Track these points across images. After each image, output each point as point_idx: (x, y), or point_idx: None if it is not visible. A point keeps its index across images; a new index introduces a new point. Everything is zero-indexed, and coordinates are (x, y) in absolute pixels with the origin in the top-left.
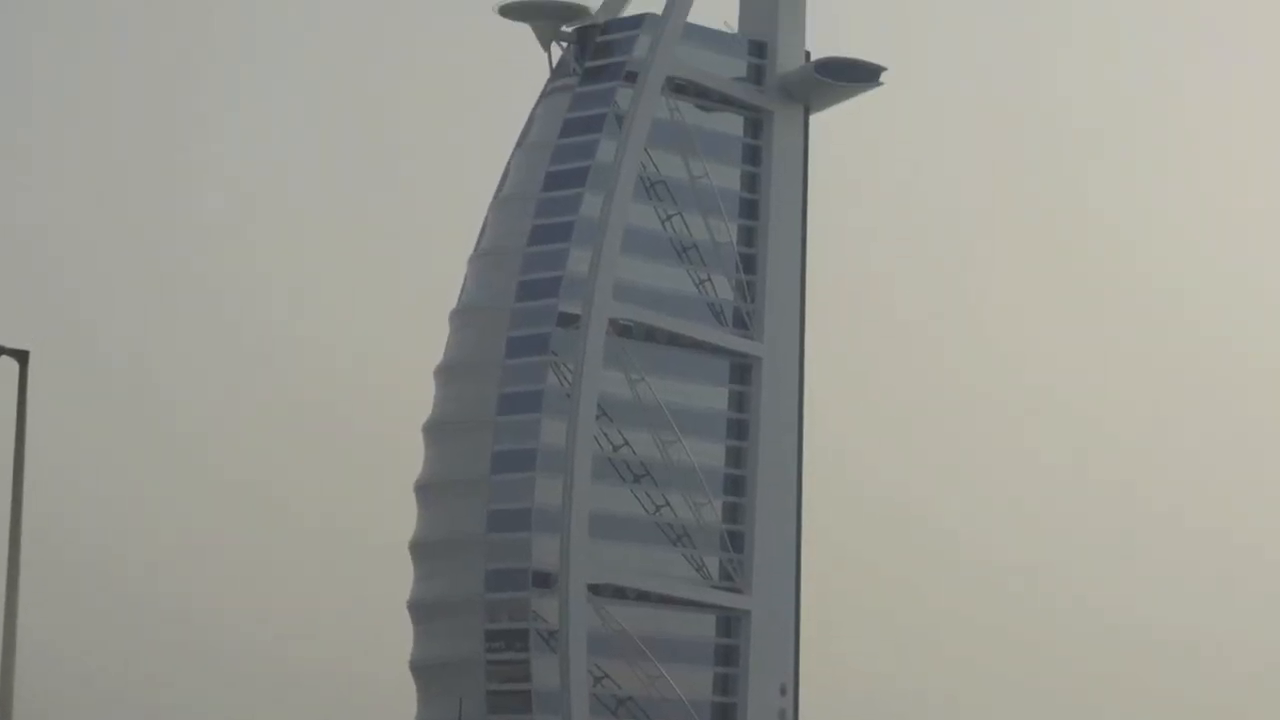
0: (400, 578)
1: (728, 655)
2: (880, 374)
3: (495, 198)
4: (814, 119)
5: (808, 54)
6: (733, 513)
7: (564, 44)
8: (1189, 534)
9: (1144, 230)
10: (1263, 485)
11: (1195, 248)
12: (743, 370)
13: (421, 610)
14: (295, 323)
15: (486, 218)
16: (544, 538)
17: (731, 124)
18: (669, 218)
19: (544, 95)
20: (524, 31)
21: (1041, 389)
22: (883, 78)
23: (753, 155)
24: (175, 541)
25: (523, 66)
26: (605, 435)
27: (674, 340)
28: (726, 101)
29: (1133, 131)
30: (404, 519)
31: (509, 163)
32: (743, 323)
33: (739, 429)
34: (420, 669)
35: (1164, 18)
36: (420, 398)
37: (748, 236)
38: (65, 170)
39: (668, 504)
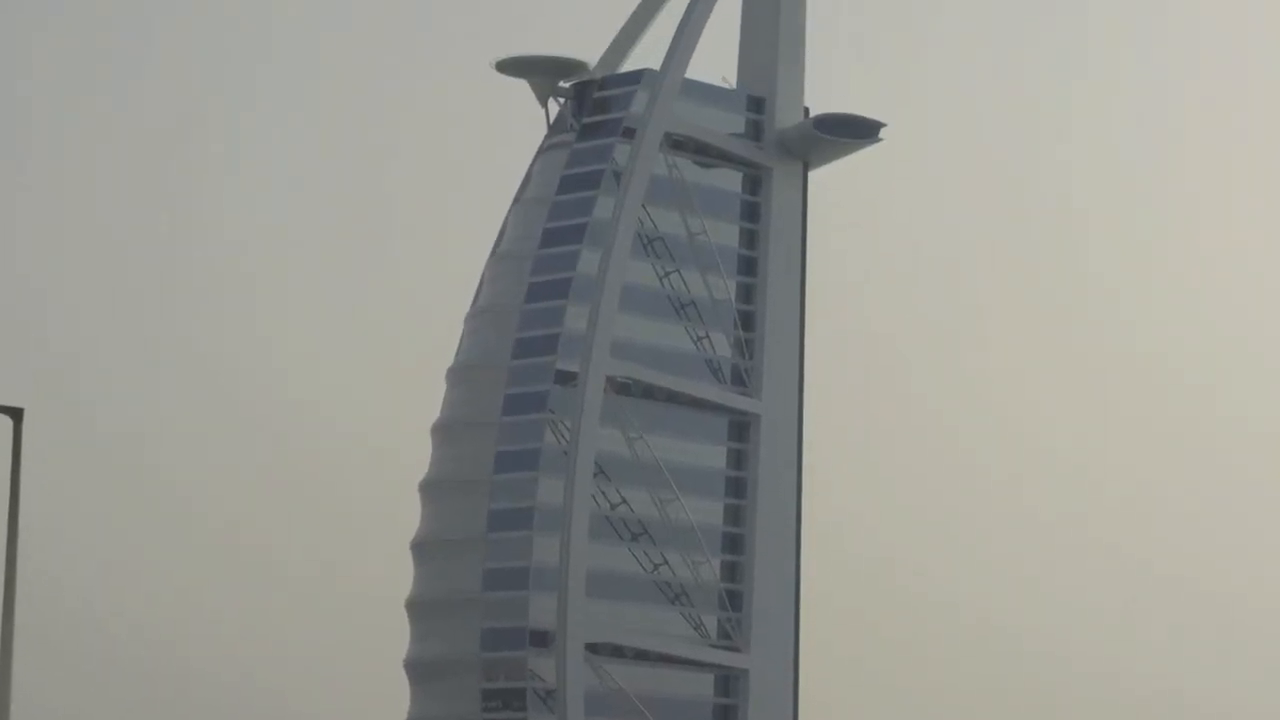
0: (397, 637)
1: (726, 715)
2: (879, 432)
3: (492, 254)
4: (813, 175)
5: (807, 110)
6: (731, 571)
7: (561, 99)
8: (1188, 596)
9: (1143, 292)
10: (1264, 548)
11: (1194, 310)
12: (741, 428)
13: (418, 669)
14: (290, 380)
15: (483, 274)
16: (541, 596)
17: (730, 180)
18: (667, 274)
19: (541, 151)
20: (521, 87)
21: (1040, 449)
22: (882, 134)
23: (751, 212)
24: (169, 601)
25: (520, 122)
26: (603, 493)
27: (672, 398)
28: (725, 158)
29: (1132, 192)
30: (400, 578)
31: (506, 219)
32: (741, 380)
33: (737, 487)
34: None
35: (1164, 81)
36: (417, 456)
37: (746, 293)
38: (61, 229)
39: (666, 562)
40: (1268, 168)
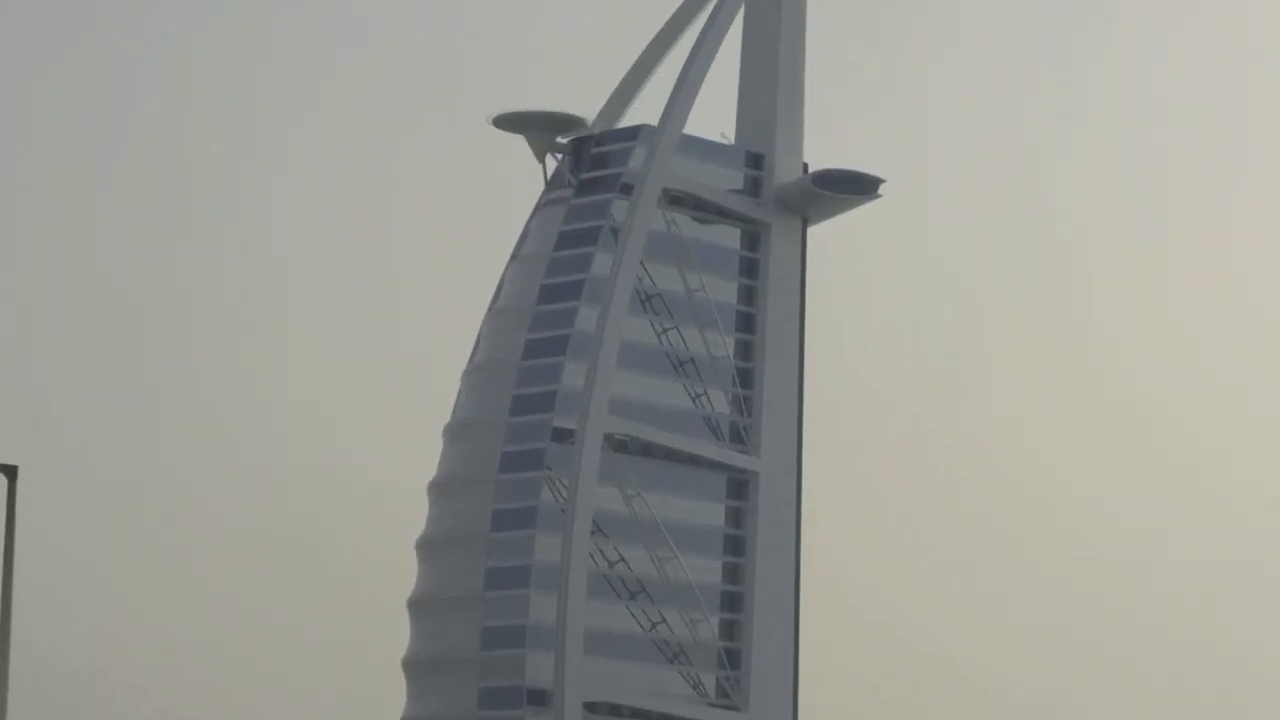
0: (393, 696)
1: None
2: (879, 490)
3: (489, 311)
4: (812, 231)
5: (806, 166)
6: (730, 630)
7: (559, 155)
8: (1191, 656)
9: (1144, 345)
10: (1265, 605)
11: (1196, 363)
12: (740, 486)
13: None
14: (285, 437)
15: (480, 331)
16: (538, 655)
17: (728, 236)
18: (665, 331)
19: (538, 207)
20: (518, 143)
21: (1042, 504)
22: (882, 190)
23: (750, 268)
24: (164, 658)
25: (517, 178)
26: (600, 551)
27: (670, 455)
28: (723, 214)
29: (1133, 246)
30: (397, 636)
31: (503, 276)
32: (740, 438)
33: (736, 545)
34: None
35: (1164, 130)
36: (413, 513)
37: (745, 350)
38: (55, 284)
39: (664, 621)
40: (1270, 217)
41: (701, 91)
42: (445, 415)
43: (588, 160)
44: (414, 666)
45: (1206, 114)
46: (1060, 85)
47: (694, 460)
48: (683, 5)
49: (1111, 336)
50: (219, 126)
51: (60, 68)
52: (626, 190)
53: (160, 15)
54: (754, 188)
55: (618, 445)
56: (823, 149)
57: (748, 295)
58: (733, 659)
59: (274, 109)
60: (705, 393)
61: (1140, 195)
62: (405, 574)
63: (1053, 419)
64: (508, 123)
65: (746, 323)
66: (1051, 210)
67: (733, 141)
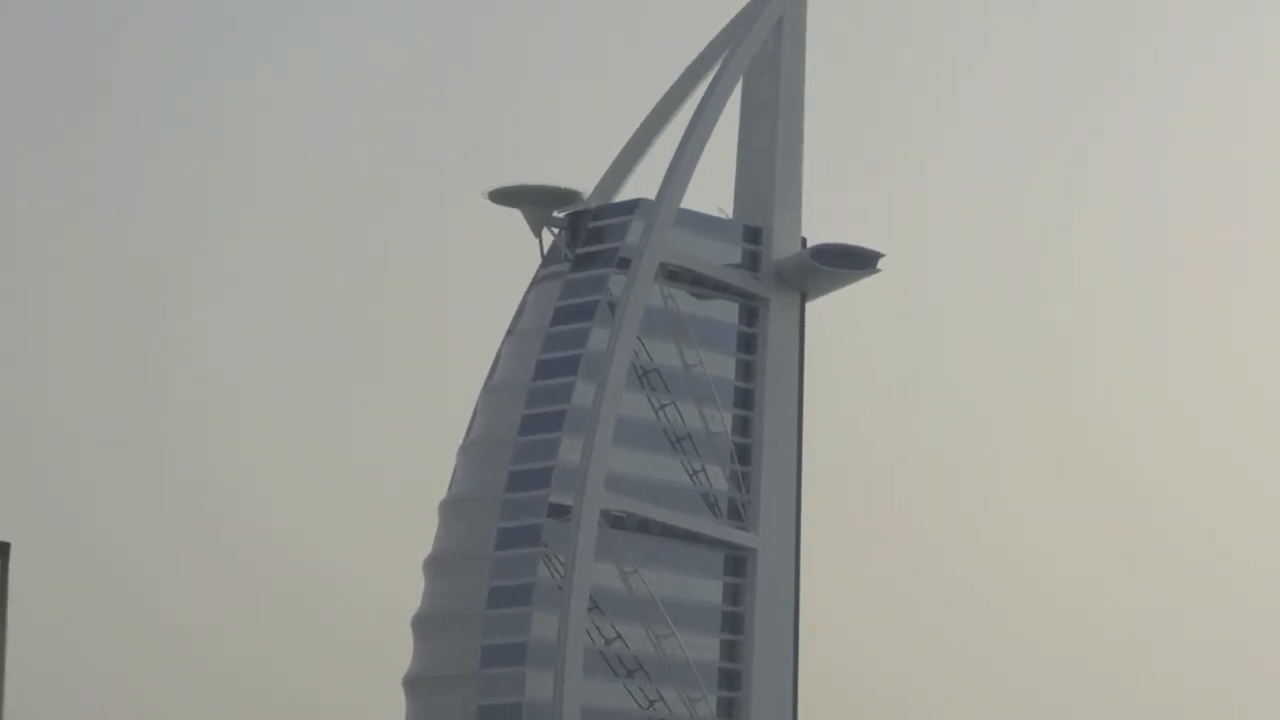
0: None
1: None
2: (877, 566)
3: (485, 386)
4: (810, 306)
5: (804, 240)
6: (728, 708)
7: (555, 230)
8: None
9: (1144, 424)
10: (1265, 684)
11: (1195, 442)
12: (737, 563)
13: None
14: (280, 514)
15: (476, 407)
16: None
17: (726, 311)
18: (662, 407)
19: (535, 282)
20: (514, 217)
21: (1041, 583)
22: (880, 264)
23: (748, 343)
24: None
25: (513, 252)
26: (598, 629)
27: (668, 532)
28: (721, 288)
29: (1133, 324)
30: (393, 714)
31: (499, 351)
32: (738, 514)
33: (734, 622)
34: None
35: (1164, 209)
36: (409, 590)
37: (743, 426)
38: (47, 360)
39: (661, 699)
40: (1270, 298)
41: (699, 165)
42: (441, 491)
43: (584, 234)
44: None
45: (1206, 194)
46: (1061, 163)
47: (692, 537)
48: (680, 79)
49: (1110, 414)
50: (212, 200)
51: (54, 151)
52: (624, 265)
53: (152, 97)
54: (752, 262)
55: (615, 521)
56: (821, 223)
57: (746, 371)
58: None
59: (268, 184)
60: (703, 468)
61: (1140, 273)
62: (401, 651)
63: (1051, 496)
64: (504, 197)
65: (744, 398)
66: (1051, 287)
67: (731, 216)
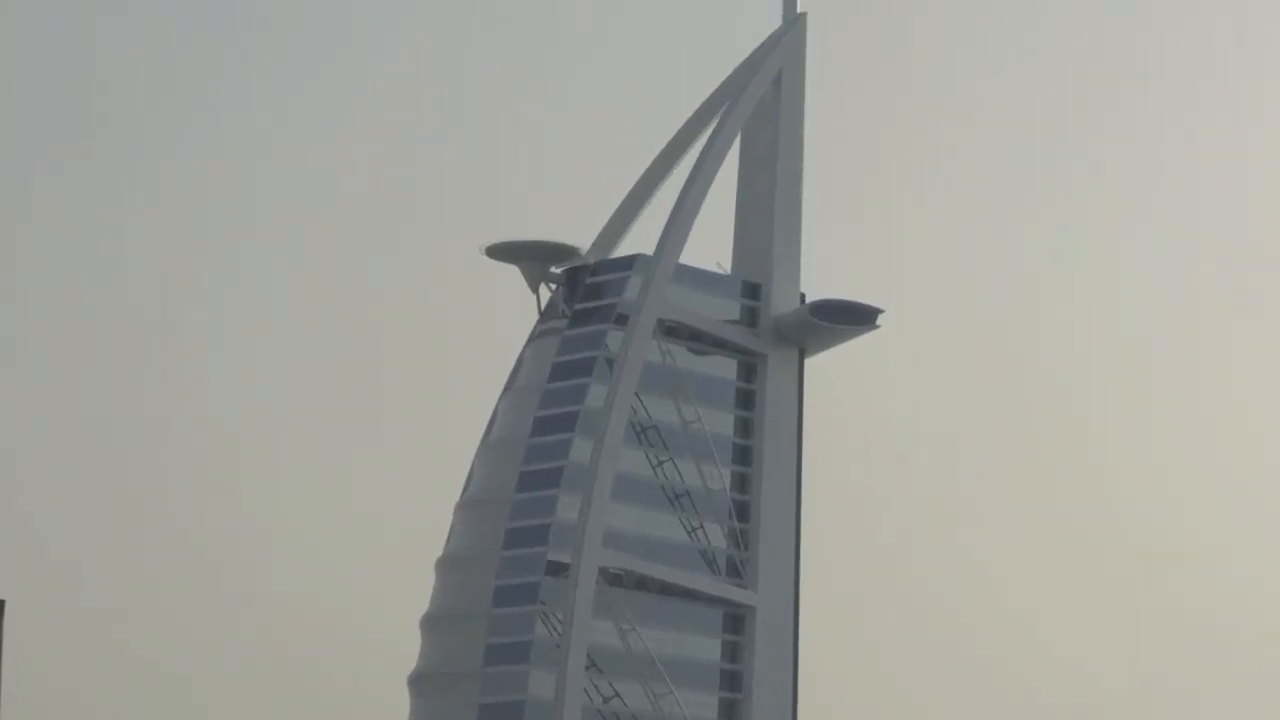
0: None
1: None
2: (877, 623)
3: (482, 443)
4: (809, 362)
5: (803, 296)
6: None
7: (553, 285)
8: None
9: (1145, 475)
10: None
11: (1197, 493)
12: (736, 620)
13: None
14: (277, 568)
15: (474, 463)
16: None
17: (725, 367)
18: (660, 464)
19: (532, 338)
20: (512, 273)
21: (1042, 636)
22: (880, 320)
23: (746, 400)
24: None
25: (510, 308)
26: (595, 687)
27: (666, 589)
28: (719, 344)
29: (1133, 376)
30: None
31: (496, 407)
32: (736, 571)
33: (733, 680)
34: None
35: (1165, 260)
36: (405, 648)
37: (741, 483)
38: (41, 413)
39: None
40: (1272, 347)
41: (697, 220)
42: (438, 548)
43: (582, 290)
44: None
45: (1208, 244)
46: (1060, 215)
47: (690, 594)
48: (679, 133)
49: (1112, 467)
50: (208, 256)
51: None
52: (621, 321)
53: (147, 146)
54: (750, 318)
55: (613, 579)
56: (820, 279)
57: (744, 427)
58: None
59: (264, 240)
60: (701, 525)
61: (1141, 326)
62: (398, 709)
63: (1053, 550)
64: (501, 252)
65: (743, 455)
66: (1051, 341)
67: (729, 271)
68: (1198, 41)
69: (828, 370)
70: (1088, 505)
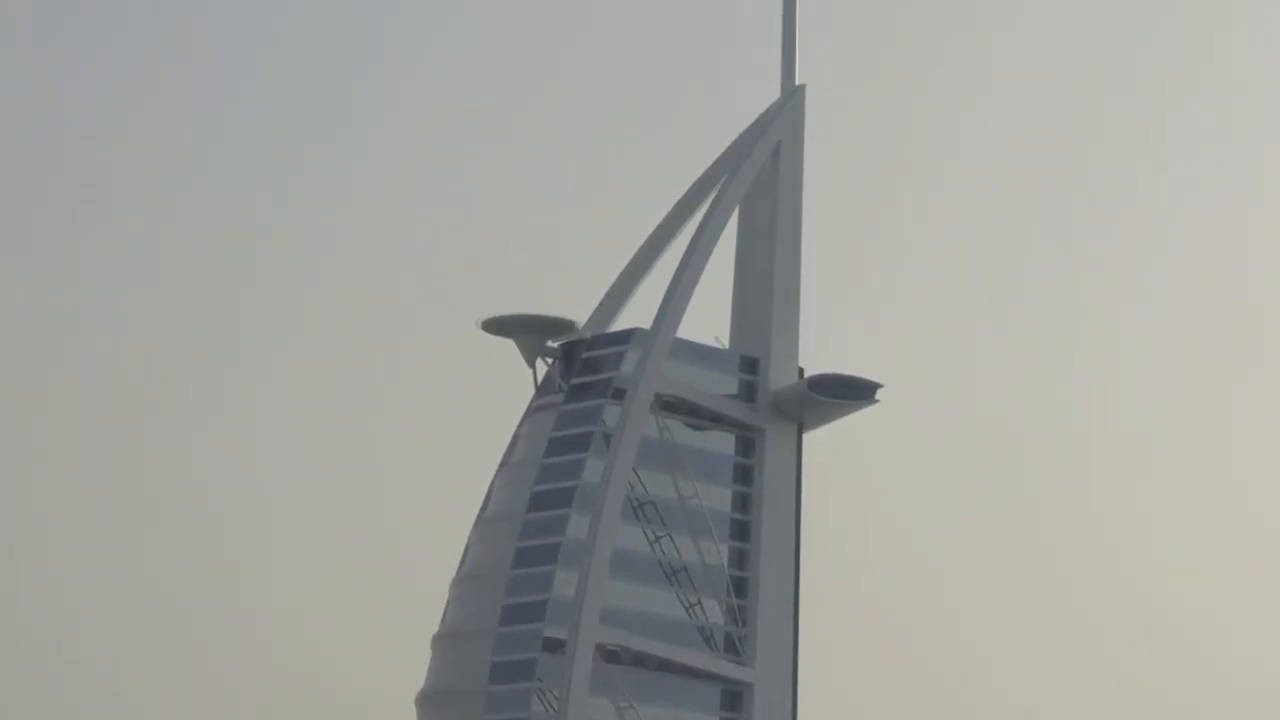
0: None
1: None
2: (876, 700)
3: (478, 519)
4: (808, 437)
5: (801, 370)
6: None
7: (549, 360)
8: None
9: (1144, 553)
10: None
11: (1196, 572)
12: (734, 697)
13: None
14: (271, 646)
15: (469, 539)
16: None
17: (722, 442)
18: (658, 539)
19: (528, 413)
20: (508, 347)
21: (1040, 713)
22: (879, 395)
23: (744, 475)
24: None
25: (506, 383)
26: None
27: (663, 666)
28: (717, 419)
29: (1133, 455)
30: None
31: (492, 483)
32: (734, 648)
33: None
34: None
35: (1165, 338)
36: None
37: (739, 559)
38: (32, 487)
39: None
40: (1272, 426)
41: (695, 294)
42: (434, 625)
43: (579, 365)
44: None
45: (1207, 321)
46: (1059, 292)
47: (688, 671)
48: (676, 206)
49: (1111, 545)
50: (201, 329)
51: (38, 278)
52: (618, 395)
53: (140, 227)
54: (748, 393)
55: (610, 656)
56: (819, 353)
57: (742, 502)
58: None
59: (258, 314)
60: (699, 602)
61: (1140, 403)
62: None
63: (1052, 628)
64: (497, 326)
65: (741, 530)
66: (1051, 417)
67: (727, 345)
68: (1196, 124)
69: (826, 445)
70: (1087, 583)
